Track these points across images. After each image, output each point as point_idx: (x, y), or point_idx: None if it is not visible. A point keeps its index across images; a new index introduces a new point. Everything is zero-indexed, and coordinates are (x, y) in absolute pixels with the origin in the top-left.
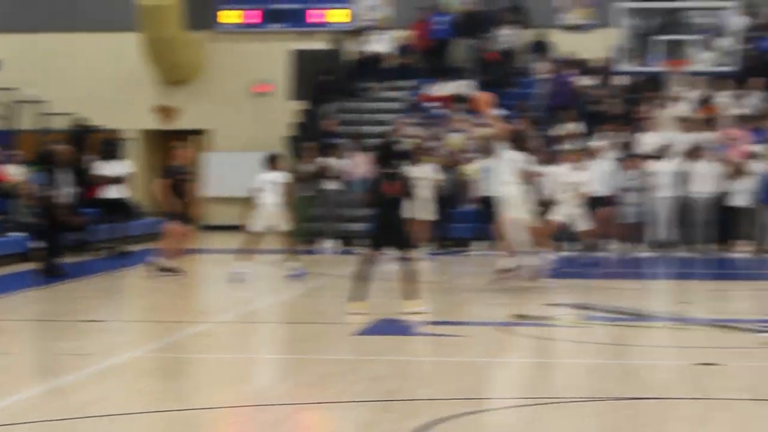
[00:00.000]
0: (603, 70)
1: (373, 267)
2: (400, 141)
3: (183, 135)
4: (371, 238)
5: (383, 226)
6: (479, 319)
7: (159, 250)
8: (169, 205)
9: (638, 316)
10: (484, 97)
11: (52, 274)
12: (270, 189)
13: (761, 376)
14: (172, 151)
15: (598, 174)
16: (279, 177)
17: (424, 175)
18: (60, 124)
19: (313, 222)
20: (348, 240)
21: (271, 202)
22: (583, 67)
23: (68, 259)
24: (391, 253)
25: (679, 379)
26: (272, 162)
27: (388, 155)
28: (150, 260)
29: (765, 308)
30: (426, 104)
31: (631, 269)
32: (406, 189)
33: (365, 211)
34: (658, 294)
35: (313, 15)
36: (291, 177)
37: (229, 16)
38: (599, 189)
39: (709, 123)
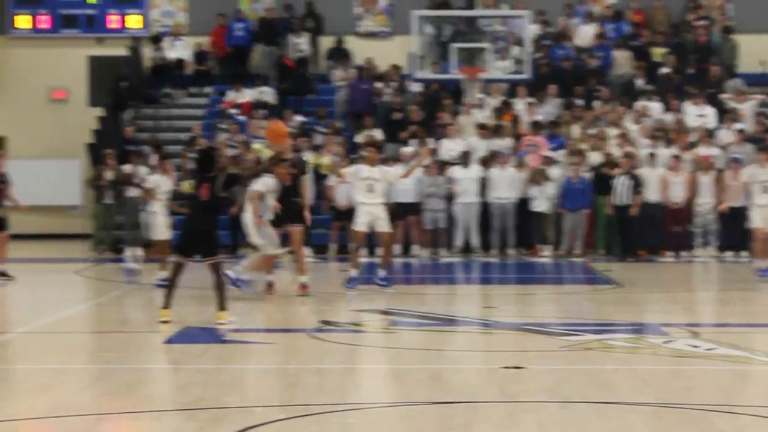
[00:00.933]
0: (399, 77)
1: (180, 275)
2: (217, 148)
3: None
4: (179, 245)
5: (191, 232)
6: (287, 326)
7: None
8: None
9: (445, 321)
10: (274, 127)
11: None
12: None
13: (564, 378)
14: None
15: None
16: None
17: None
18: None
19: (115, 230)
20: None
21: None
22: (379, 74)
23: None
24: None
25: (485, 382)
26: None
27: (207, 162)
28: None
29: (566, 312)
30: (231, 111)
31: (436, 274)
32: (215, 194)
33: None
34: (463, 298)
35: (110, 21)
36: (90, 184)
37: (23, 21)
38: (404, 196)
39: (507, 130)
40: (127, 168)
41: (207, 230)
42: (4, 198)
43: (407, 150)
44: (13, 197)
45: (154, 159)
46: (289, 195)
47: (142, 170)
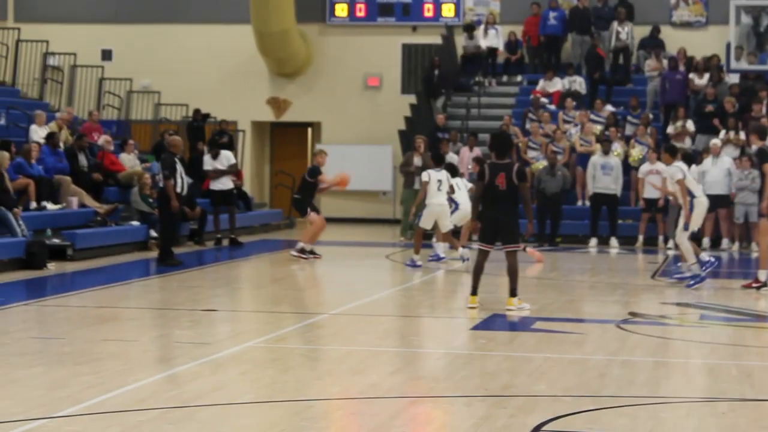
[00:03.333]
0: (714, 68)
1: (484, 261)
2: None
3: (295, 127)
4: (481, 233)
5: (492, 220)
6: (594, 317)
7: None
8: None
9: (755, 317)
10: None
11: (168, 264)
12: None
13: None
14: (315, 156)
15: (715, 173)
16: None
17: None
18: (173, 114)
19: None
20: None
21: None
22: (694, 64)
23: (184, 249)
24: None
25: None
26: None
27: (503, 147)
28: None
29: None
30: (542, 100)
31: (746, 269)
32: (511, 183)
33: None
34: None
35: (425, 9)
36: (401, 170)
37: (341, 9)
38: (715, 188)
39: None
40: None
41: (506, 220)
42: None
43: (716, 141)
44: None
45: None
46: None
47: (453, 157)
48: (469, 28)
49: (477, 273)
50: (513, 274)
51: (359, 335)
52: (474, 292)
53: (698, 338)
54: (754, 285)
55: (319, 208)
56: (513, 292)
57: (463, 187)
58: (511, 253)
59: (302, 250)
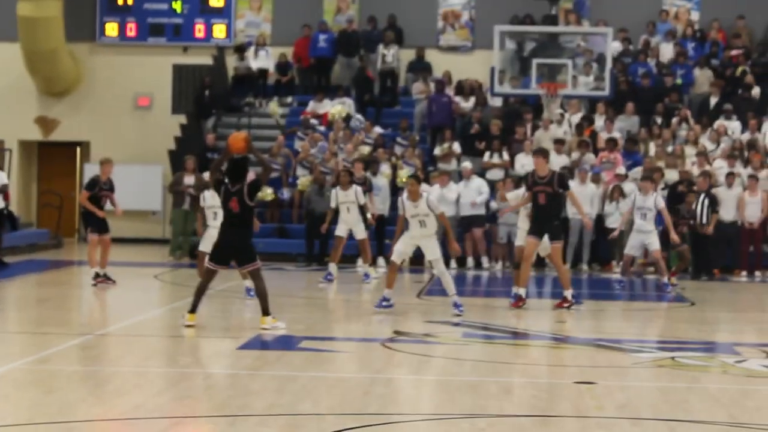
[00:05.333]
0: (480, 91)
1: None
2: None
3: (63, 146)
4: (212, 255)
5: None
6: (361, 336)
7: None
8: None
9: (516, 335)
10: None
11: None
12: None
13: (636, 395)
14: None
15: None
16: None
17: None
18: None
19: (192, 236)
20: None
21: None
22: (460, 87)
23: None
24: None
25: (558, 397)
26: None
27: (238, 171)
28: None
29: (639, 329)
30: (312, 121)
31: (507, 287)
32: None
33: None
34: (535, 313)
35: (196, 30)
36: (170, 190)
37: (112, 29)
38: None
39: (586, 145)
40: (206, 175)
41: (239, 242)
42: (107, 203)
43: (467, 165)
44: (115, 202)
45: None
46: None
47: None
48: (240, 49)
49: (200, 292)
50: (261, 294)
51: (125, 356)
52: (192, 310)
53: (460, 356)
54: (564, 305)
55: (101, 226)
56: (265, 311)
57: None
58: (253, 272)
59: (96, 275)
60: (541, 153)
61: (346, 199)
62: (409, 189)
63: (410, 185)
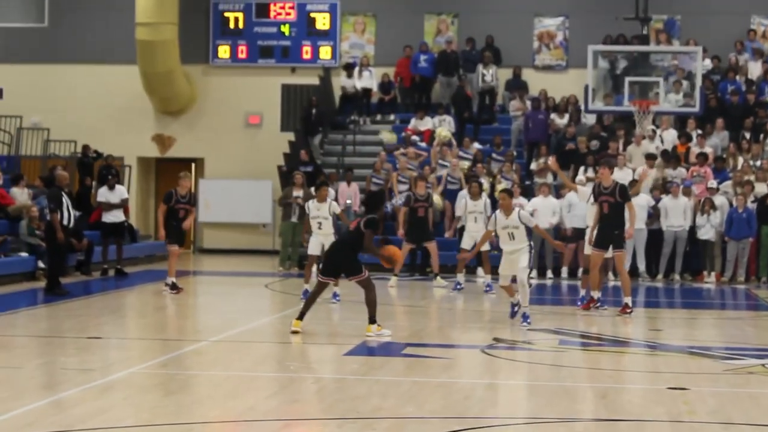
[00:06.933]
0: (574, 109)
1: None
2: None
3: (179, 163)
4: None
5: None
6: (460, 342)
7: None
8: (167, 228)
9: (613, 342)
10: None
11: (55, 293)
12: None
13: (727, 400)
14: (178, 179)
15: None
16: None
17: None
18: (62, 150)
19: (300, 247)
20: None
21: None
22: (554, 105)
23: (71, 279)
24: None
25: (652, 402)
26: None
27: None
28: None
29: (730, 336)
30: (414, 137)
31: (604, 297)
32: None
33: None
34: (631, 321)
35: (303, 51)
36: (279, 203)
37: (224, 51)
38: (576, 222)
39: (677, 160)
40: (313, 190)
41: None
42: (187, 217)
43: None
44: (190, 217)
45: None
46: None
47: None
48: (348, 68)
49: (310, 301)
50: (370, 302)
51: (237, 361)
52: (300, 317)
53: (557, 362)
54: (627, 311)
55: (179, 238)
56: (372, 320)
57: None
58: (361, 282)
59: (172, 285)
60: (607, 164)
61: (474, 209)
62: (501, 203)
63: (502, 199)
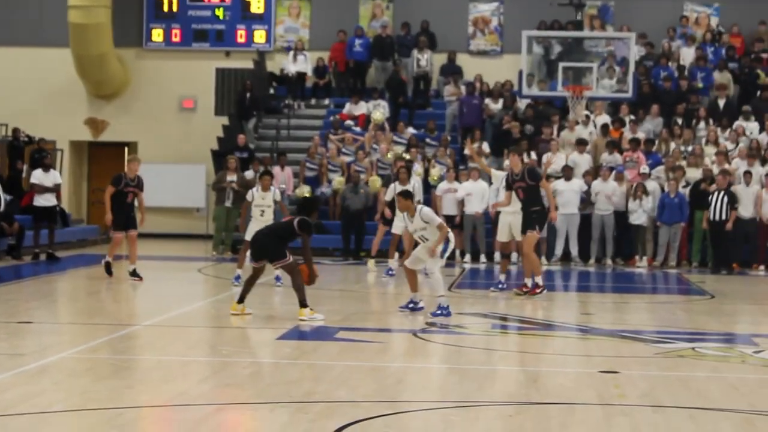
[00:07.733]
0: (508, 94)
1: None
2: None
3: (112, 147)
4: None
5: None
6: (392, 327)
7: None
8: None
9: (544, 326)
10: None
11: None
12: None
13: (658, 384)
14: (129, 162)
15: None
16: None
17: None
18: None
19: (234, 232)
20: None
21: None
22: (489, 90)
23: (1, 264)
24: None
25: (583, 385)
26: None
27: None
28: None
29: (661, 320)
30: (347, 122)
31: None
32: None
33: None
34: (562, 305)
35: (237, 35)
36: (213, 188)
37: (158, 35)
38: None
39: (610, 145)
40: (248, 174)
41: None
42: (134, 201)
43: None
44: (142, 202)
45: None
46: None
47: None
48: (282, 53)
49: (249, 283)
50: (297, 288)
51: (170, 346)
52: (240, 300)
53: (489, 345)
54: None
55: (126, 223)
56: (302, 303)
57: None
58: (286, 268)
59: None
60: (516, 151)
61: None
62: (398, 205)
63: (399, 201)
